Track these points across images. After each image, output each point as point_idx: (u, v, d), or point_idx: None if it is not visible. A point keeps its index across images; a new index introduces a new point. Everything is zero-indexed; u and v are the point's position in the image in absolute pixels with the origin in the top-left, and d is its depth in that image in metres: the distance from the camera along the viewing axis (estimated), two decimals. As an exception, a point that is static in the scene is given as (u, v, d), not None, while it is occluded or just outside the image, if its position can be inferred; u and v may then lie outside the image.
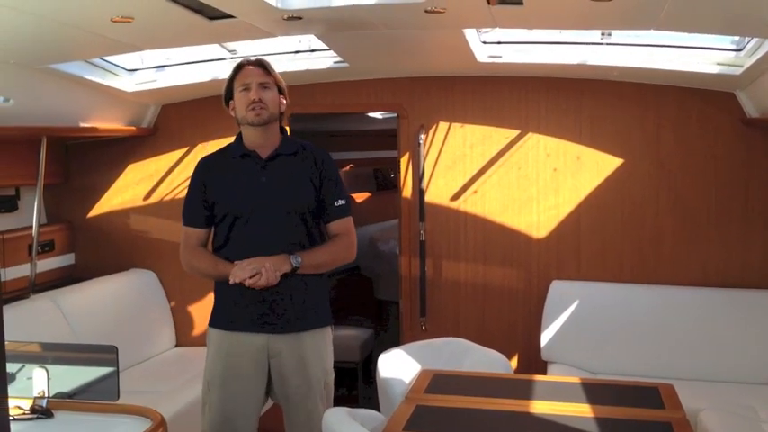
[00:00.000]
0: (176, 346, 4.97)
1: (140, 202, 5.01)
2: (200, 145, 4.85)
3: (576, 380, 3.26)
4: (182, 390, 4.04)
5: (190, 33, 3.46)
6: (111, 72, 4.26)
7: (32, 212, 4.39)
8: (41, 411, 2.60)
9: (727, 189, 4.38)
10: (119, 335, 4.07)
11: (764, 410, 3.65)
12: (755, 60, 3.62)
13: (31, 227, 4.40)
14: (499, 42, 4.22)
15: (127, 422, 2.58)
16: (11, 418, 2.45)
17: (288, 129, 3.25)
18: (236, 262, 2.94)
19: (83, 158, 4.99)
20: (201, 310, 4.82)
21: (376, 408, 3.22)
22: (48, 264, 4.69)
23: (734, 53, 3.93)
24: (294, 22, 3.21)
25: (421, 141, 4.64)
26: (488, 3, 2.95)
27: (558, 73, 4.48)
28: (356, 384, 5.45)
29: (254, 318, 2.98)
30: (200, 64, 4.49)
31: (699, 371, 4.14)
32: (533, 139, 4.58)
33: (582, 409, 2.78)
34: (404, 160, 4.73)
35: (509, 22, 3.52)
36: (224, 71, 4.27)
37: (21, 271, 4.34)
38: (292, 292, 2.98)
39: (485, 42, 4.18)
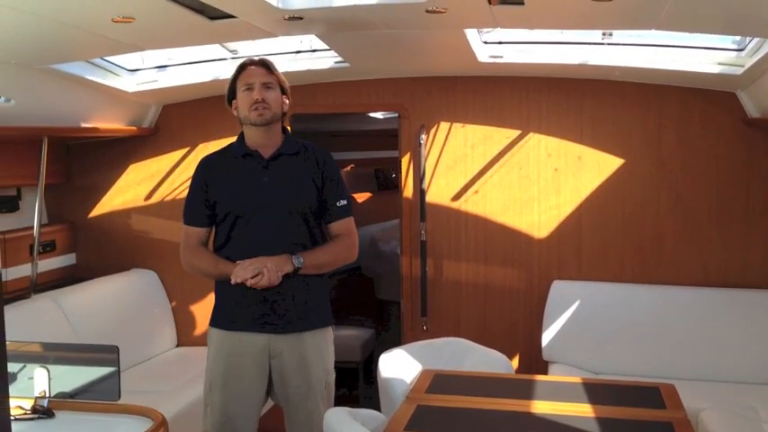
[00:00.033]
0: (177, 346, 4.97)
1: (141, 202, 5.02)
2: (201, 145, 4.85)
3: (577, 380, 3.26)
4: (183, 390, 4.04)
5: (191, 33, 3.46)
6: (112, 72, 4.26)
7: (34, 212, 4.39)
8: (42, 411, 2.60)
9: (728, 189, 4.38)
10: (120, 335, 4.09)
11: (765, 410, 3.65)
12: (756, 60, 3.62)
13: (33, 227, 4.40)
14: (500, 42, 4.22)
15: (128, 422, 2.58)
16: (12, 418, 2.46)
17: (289, 129, 3.25)
18: (237, 262, 2.93)
19: (84, 158, 5.00)
20: (202, 310, 4.82)
21: (377, 408, 3.22)
22: (49, 264, 4.69)
23: (735, 53, 3.93)
24: (295, 22, 3.21)
25: (422, 141, 4.64)
26: (489, 3, 2.94)
27: (559, 73, 4.48)
28: (357, 384, 5.45)
29: (255, 318, 2.98)
30: (201, 64, 4.48)
31: (700, 371, 4.14)
32: (534, 139, 4.58)
33: (583, 409, 2.78)
34: (405, 160, 4.73)
35: (510, 22, 3.51)
36: (225, 71, 4.28)
37: (22, 271, 4.35)
38: (294, 292, 2.98)
39: (486, 42, 4.18)
